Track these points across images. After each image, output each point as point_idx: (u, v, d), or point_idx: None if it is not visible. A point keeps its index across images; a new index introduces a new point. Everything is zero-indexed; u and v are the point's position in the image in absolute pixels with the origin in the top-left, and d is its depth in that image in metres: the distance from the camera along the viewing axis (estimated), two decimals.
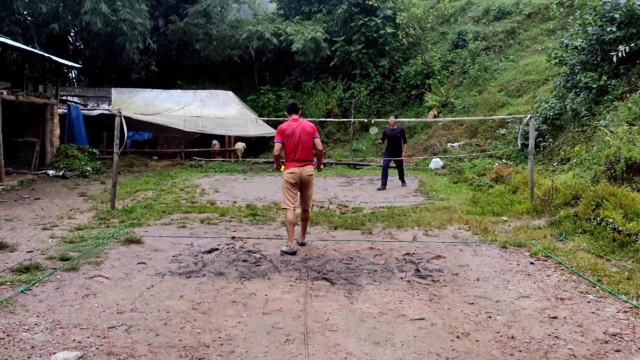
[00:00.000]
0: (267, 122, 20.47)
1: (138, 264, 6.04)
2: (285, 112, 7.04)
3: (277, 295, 5.00)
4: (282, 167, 6.98)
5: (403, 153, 13.23)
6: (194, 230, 7.93)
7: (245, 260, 6.22)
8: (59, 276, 5.47)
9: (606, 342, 3.95)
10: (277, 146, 6.79)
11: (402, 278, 5.61)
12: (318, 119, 19.86)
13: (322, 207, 10.05)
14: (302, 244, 6.94)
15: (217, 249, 6.74)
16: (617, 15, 11.89)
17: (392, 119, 13.11)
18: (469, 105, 19.83)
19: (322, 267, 5.96)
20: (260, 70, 26.08)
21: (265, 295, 4.99)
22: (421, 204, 10.43)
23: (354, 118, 19.74)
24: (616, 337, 4.03)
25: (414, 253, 6.65)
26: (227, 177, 15.64)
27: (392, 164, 13.35)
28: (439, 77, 22.26)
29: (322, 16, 25.19)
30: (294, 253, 6.46)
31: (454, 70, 22.77)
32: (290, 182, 6.69)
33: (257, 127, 20.11)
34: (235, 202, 10.55)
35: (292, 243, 6.58)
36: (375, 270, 5.88)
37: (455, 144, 18.15)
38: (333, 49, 23.54)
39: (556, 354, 3.73)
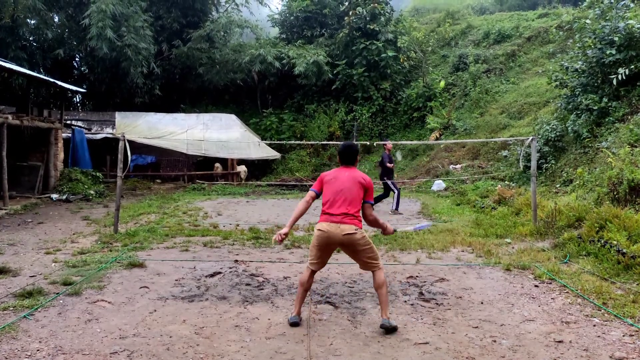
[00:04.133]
0: (270, 145, 20.61)
1: (141, 288, 6.02)
2: (338, 159, 5.10)
3: (281, 319, 4.97)
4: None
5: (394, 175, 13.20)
6: (196, 253, 7.92)
7: (248, 284, 6.20)
8: (61, 301, 5.46)
9: None
10: (309, 194, 4.94)
11: (405, 301, 5.58)
12: (320, 142, 19.96)
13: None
14: (382, 326, 4.66)
15: (220, 273, 6.72)
16: (616, 39, 12.02)
17: (389, 144, 13.17)
18: (470, 127, 19.92)
19: (326, 291, 5.94)
20: (262, 94, 26.30)
21: (269, 319, 4.96)
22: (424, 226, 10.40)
23: (356, 141, 19.82)
24: None
25: (417, 276, 6.62)
26: (229, 200, 15.66)
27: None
28: (440, 100, 22.41)
29: (324, 40, 25.51)
30: (295, 324, 4.78)
31: (455, 93, 22.94)
32: (315, 244, 4.85)
33: (259, 150, 20.21)
34: (238, 225, 10.55)
35: (296, 310, 4.89)
36: None
37: (458, 166, 18.18)
38: (335, 72, 23.79)
39: None
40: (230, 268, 6.98)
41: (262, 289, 5.99)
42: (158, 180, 20.52)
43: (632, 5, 12.91)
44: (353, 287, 6.14)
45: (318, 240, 4.79)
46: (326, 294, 5.82)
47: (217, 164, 20.70)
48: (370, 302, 5.52)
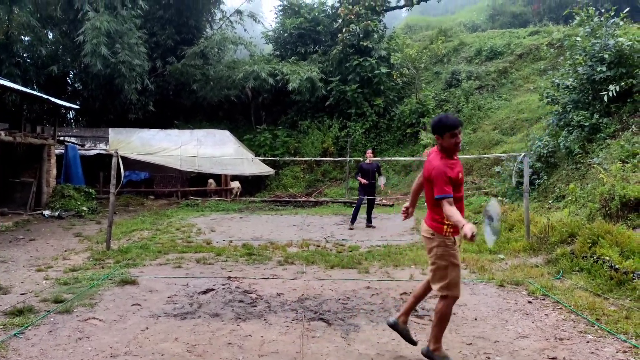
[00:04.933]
0: (264, 161, 20.62)
1: (133, 305, 5.97)
2: (438, 136, 4.21)
3: (274, 336, 4.94)
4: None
5: (381, 187, 12.98)
6: (189, 270, 7.88)
7: (241, 301, 6.16)
8: (52, 319, 5.40)
9: None
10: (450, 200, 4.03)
11: None
12: (314, 158, 20.00)
13: (319, 246, 10.01)
14: (424, 354, 4.36)
15: (212, 290, 6.68)
16: (606, 56, 12.17)
17: (369, 153, 12.92)
18: (463, 143, 20.01)
19: (319, 307, 5.91)
20: (256, 110, 26.40)
21: (262, 336, 4.93)
22: (418, 242, 10.40)
23: (349, 157, 19.89)
24: None
25: (411, 292, 6.60)
26: (223, 216, 15.62)
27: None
28: (433, 116, 22.54)
29: (318, 57, 25.71)
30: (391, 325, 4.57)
31: (448, 109, 23.10)
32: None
33: (253, 166, 20.22)
34: (231, 242, 10.51)
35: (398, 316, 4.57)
36: (372, 310, 5.83)
37: None
38: (329, 88, 23.93)
39: None
40: (223, 285, 6.94)
41: (255, 306, 5.96)
42: (151, 197, 20.45)
43: (621, 23, 13.09)
44: (347, 303, 6.11)
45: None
46: (320, 310, 5.80)
47: (211, 180, 20.67)
48: (364, 319, 5.50)
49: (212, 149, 20.00)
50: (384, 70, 23.57)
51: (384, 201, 18.58)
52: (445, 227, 4.14)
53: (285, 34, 27.48)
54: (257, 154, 22.18)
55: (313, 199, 19.21)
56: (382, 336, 4.98)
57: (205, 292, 6.56)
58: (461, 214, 4.03)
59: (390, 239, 10.96)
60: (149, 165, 19.84)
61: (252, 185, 22.32)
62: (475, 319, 5.50)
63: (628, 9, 13.46)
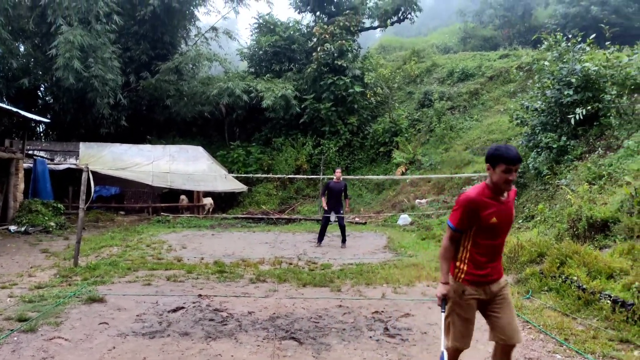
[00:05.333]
0: (237, 177, 20.53)
1: (100, 324, 5.83)
2: (489, 165, 3.63)
3: (244, 355, 4.88)
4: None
5: (345, 209, 12.92)
6: (159, 287, 7.74)
7: (211, 320, 6.08)
8: (15, 338, 5.23)
9: None
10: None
11: (370, 337, 5.56)
12: (287, 176, 20.00)
13: (291, 264, 9.97)
14: None
15: (182, 308, 6.58)
16: (573, 80, 12.54)
17: (338, 172, 12.83)
18: (435, 163, 20.29)
19: (290, 326, 5.86)
20: (230, 126, 26.33)
21: (232, 355, 4.87)
22: (390, 260, 10.45)
23: (323, 174, 19.95)
24: None
25: (382, 311, 6.61)
26: (195, 232, 15.43)
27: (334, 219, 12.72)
28: (406, 135, 22.83)
29: (293, 74, 25.86)
30: None
31: (420, 129, 23.41)
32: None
33: (226, 182, 20.10)
34: (202, 259, 10.38)
35: None
36: (344, 329, 5.81)
37: (423, 201, 18.41)
38: (303, 106, 24.04)
39: None
40: (193, 303, 6.84)
41: (225, 325, 5.88)
42: (122, 212, 20.11)
43: (587, 48, 13.53)
44: (318, 322, 6.08)
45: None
46: (291, 329, 5.75)
47: (183, 196, 20.45)
48: (335, 338, 5.48)
49: (185, 165, 19.82)
50: (358, 89, 23.81)
51: (356, 219, 18.63)
52: (456, 269, 3.71)
53: (261, 52, 27.60)
54: (230, 171, 22.07)
55: (286, 216, 19.15)
56: (354, 355, 4.97)
57: (175, 311, 6.45)
58: (495, 263, 3.72)
59: (363, 257, 10.98)
60: (120, 181, 19.53)
61: (224, 201, 22.16)
62: None
63: (594, 35, 13.90)
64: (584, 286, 6.61)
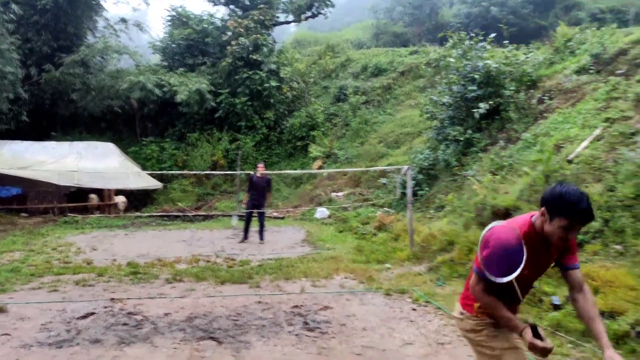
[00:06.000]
0: (150, 174, 19.82)
1: (1, 335, 5.43)
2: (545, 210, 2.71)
3: (161, 359, 4.73)
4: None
5: (266, 203, 12.77)
6: (67, 293, 7.33)
7: (125, 324, 5.84)
8: None
9: None
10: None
11: (290, 332, 5.59)
12: (203, 172, 19.60)
13: (209, 262, 9.79)
14: None
15: (93, 313, 6.27)
16: (476, 76, 13.22)
17: (261, 166, 12.78)
18: (351, 156, 20.69)
19: (209, 326, 5.77)
20: (142, 121, 25.34)
21: None
22: (308, 254, 10.53)
23: (240, 170, 19.72)
24: None
25: (302, 305, 6.66)
26: (106, 233, 14.74)
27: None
28: (322, 129, 23.07)
29: (207, 68, 25.30)
30: None
31: (337, 123, 23.75)
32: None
33: (139, 179, 19.35)
34: (114, 260, 9.94)
35: None
36: (264, 326, 5.80)
37: (340, 194, 18.72)
38: (218, 100, 23.60)
39: None
40: (105, 307, 6.54)
41: (140, 328, 5.68)
42: (24, 214, 18.80)
43: (488, 47, 14.31)
44: (238, 320, 6.03)
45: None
46: (209, 329, 5.66)
47: (93, 195, 19.44)
48: (255, 335, 5.45)
49: (94, 162, 18.85)
50: (273, 83, 23.72)
51: (275, 214, 18.62)
52: (472, 305, 2.95)
53: (173, 45, 26.75)
54: (143, 167, 21.25)
55: (203, 213, 18.77)
56: (274, 351, 4.97)
57: (84, 317, 6.14)
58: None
59: (282, 251, 10.99)
60: (22, 180, 18.23)
61: (138, 200, 21.32)
62: (364, 329, 5.66)
63: (494, 34, 14.75)
64: None
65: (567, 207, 2.58)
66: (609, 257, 6.14)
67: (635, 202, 6.53)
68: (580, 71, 12.52)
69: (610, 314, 4.89)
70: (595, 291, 5.36)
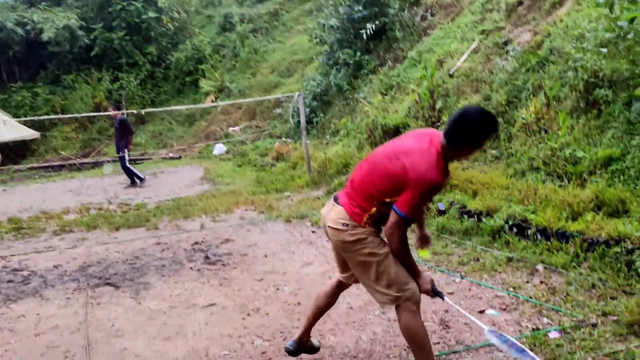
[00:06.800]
0: (24, 123, 18.15)
1: None
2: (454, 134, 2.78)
3: (52, 311, 4.50)
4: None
5: (129, 146, 11.86)
6: None
7: (10, 281, 5.45)
8: None
9: None
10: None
11: (191, 268, 5.52)
12: (86, 115, 18.29)
13: (101, 209, 9.31)
14: None
15: None
16: None
17: (111, 110, 12.21)
18: (244, 88, 20.18)
19: (104, 272, 5.54)
20: (8, 65, 22.88)
21: (37, 314, 4.45)
22: (207, 191, 10.36)
23: (126, 110, 18.63)
24: None
25: (202, 241, 6.58)
26: None
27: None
28: (211, 62, 22.19)
29: (74, 1, 23.01)
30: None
31: (225, 54, 22.91)
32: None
33: (11, 129, 17.64)
34: None
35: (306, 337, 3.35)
36: (164, 265, 5.67)
37: (236, 128, 18.38)
38: (92, 37, 21.74)
39: (336, 309, 4.00)
40: None
41: (28, 283, 5.33)
42: None
43: None
44: (135, 263, 5.84)
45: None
46: (105, 275, 5.44)
47: None
48: (155, 276, 5.33)
49: None
50: (152, 14, 22.15)
51: (170, 154, 18.01)
52: (362, 215, 2.84)
53: None
54: (16, 116, 19.40)
55: (91, 160, 17.72)
56: (175, 289, 4.90)
57: None
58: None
59: (179, 191, 10.69)
60: None
61: (15, 152, 19.62)
62: (266, 256, 5.72)
63: None
64: None
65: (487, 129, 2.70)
66: (486, 162, 6.59)
67: (507, 108, 6.97)
68: None
69: (487, 213, 5.28)
70: (475, 194, 5.76)
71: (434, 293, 2.84)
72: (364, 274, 2.88)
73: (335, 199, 2.97)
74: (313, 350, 3.40)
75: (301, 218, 7.30)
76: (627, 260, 3.93)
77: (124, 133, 11.80)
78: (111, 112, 12.02)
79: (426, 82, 8.86)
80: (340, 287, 3.28)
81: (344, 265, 3.11)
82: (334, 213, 2.90)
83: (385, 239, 2.83)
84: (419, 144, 2.72)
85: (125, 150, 11.74)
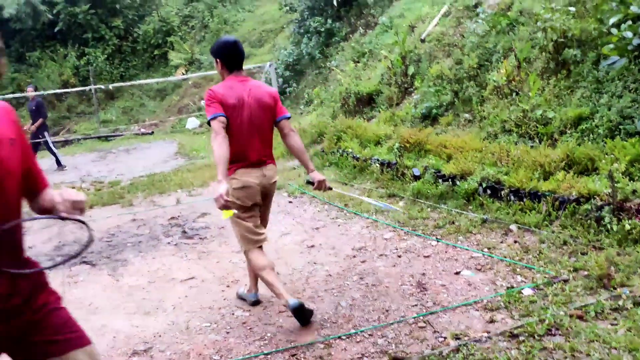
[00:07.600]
0: None
1: None
2: (218, 62, 3.45)
3: None
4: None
5: (32, 128, 11.38)
6: None
7: None
8: None
9: (354, 256, 4.46)
10: (218, 125, 3.19)
11: (169, 243, 5.50)
12: (53, 92, 17.81)
13: (74, 188, 9.15)
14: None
15: None
16: None
17: (29, 89, 11.82)
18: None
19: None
20: None
21: None
22: (182, 166, 10.26)
23: (94, 86, 18.19)
24: (361, 250, 4.58)
25: (179, 216, 6.54)
26: None
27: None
28: (180, 34, 21.69)
29: None
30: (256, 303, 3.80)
31: (194, 25, 22.41)
32: (247, 204, 3.40)
33: None
34: None
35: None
36: (140, 242, 5.64)
37: None
38: (55, 12, 21.00)
39: (315, 277, 4.08)
40: None
41: None
42: None
43: None
44: (111, 240, 5.80)
45: (250, 196, 3.38)
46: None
47: None
48: (132, 252, 5.30)
49: None
50: None
51: (142, 130, 17.73)
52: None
53: None
54: None
55: (61, 138, 17.36)
56: (152, 264, 4.88)
57: None
58: None
59: (154, 167, 10.56)
60: None
61: None
62: None
63: None
64: (357, 155, 7.30)
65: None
66: (460, 126, 6.63)
67: (479, 71, 6.99)
68: None
69: (461, 176, 5.34)
70: (449, 158, 5.81)
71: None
72: (270, 203, 3.70)
73: (262, 162, 3.43)
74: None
75: (278, 189, 7.27)
76: (597, 217, 4.03)
77: (38, 116, 11.40)
78: (28, 93, 11.57)
79: (398, 48, 8.82)
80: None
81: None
82: (272, 172, 3.52)
83: None
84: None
85: (46, 134, 11.52)
